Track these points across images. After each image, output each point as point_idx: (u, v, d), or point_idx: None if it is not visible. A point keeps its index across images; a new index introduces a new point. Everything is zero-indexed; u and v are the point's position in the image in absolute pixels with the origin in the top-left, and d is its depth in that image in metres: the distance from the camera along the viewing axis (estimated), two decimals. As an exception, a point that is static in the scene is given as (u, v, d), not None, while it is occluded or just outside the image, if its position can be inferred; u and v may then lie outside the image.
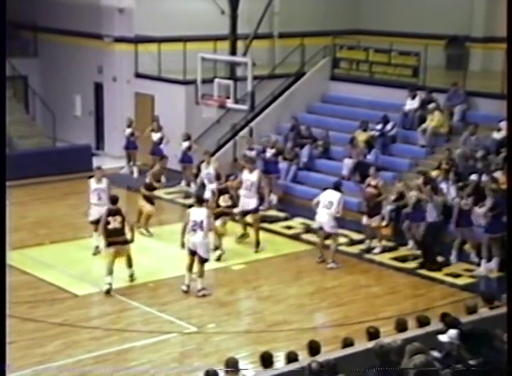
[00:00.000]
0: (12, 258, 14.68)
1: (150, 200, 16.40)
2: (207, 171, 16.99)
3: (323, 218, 14.87)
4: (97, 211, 14.77)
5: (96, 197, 15.04)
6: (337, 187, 15.09)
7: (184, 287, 13.45)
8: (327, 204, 14.77)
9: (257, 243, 15.59)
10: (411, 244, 15.72)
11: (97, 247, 15.06)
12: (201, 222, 13.16)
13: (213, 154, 21.04)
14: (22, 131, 22.42)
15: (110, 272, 13.42)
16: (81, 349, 11.36)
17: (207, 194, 16.30)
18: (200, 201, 13.66)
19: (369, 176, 16.04)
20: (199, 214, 13.29)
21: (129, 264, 13.89)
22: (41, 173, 19.52)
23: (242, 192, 15.87)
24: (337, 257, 15.04)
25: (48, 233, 15.27)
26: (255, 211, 15.82)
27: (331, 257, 14.88)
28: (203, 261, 13.35)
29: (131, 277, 13.97)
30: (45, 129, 23.47)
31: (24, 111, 24.08)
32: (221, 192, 15.57)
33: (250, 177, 15.87)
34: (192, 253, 13.32)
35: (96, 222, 14.61)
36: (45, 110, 23.95)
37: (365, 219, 15.83)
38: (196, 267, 13.39)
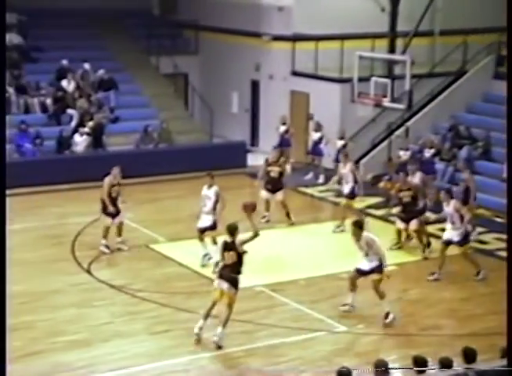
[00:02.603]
0: (170, 250, 15.20)
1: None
2: (344, 171, 16.77)
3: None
4: (204, 218, 14.32)
5: (203, 204, 14.38)
6: None
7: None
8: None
9: (428, 244, 15.30)
10: None
11: (206, 255, 14.46)
12: None
13: (367, 153, 20.87)
14: (181, 126, 22.98)
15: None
16: (232, 342, 11.52)
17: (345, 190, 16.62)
18: None
19: None
20: None
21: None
22: (197, 168, 19.98)
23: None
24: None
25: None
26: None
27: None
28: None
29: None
30: (203, 125, 24.06)
31: (184, 107, 24.76)
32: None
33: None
34: None
35: (203, 231, 14.33)
36: (203, 107, 24.52)
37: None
38: None
